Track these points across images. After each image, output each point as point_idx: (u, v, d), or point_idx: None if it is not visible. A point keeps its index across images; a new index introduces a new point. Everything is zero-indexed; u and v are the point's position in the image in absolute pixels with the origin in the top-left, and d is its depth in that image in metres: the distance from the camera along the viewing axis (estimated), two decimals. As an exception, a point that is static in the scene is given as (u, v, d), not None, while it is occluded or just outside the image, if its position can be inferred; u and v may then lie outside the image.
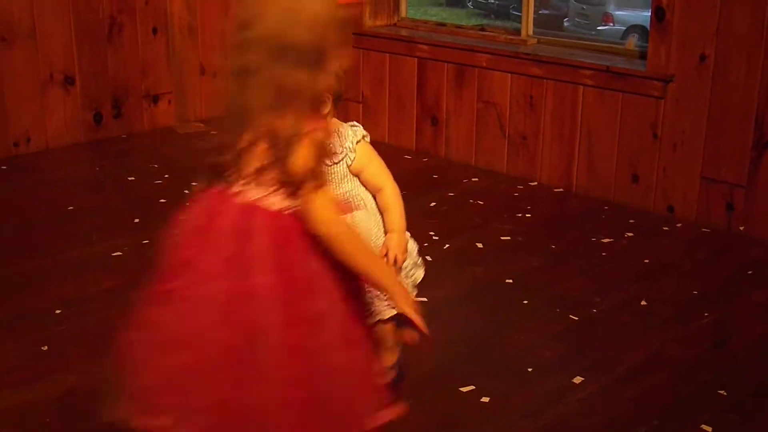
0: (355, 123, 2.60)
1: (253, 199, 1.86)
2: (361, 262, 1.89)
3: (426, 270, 3.63)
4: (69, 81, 5.39)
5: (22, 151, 5.26)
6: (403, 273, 2.58)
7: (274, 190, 1.85)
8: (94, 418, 2.62)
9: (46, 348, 3.07)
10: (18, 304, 3.39)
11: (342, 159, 2.49)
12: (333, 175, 2.49)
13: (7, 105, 5.16)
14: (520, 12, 5.27)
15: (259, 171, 1.84)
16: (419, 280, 2.64)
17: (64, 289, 3.53)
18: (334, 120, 2.48)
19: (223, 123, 1.95)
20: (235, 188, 1.89)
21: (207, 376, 1.84)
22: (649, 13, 4.30)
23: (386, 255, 2.46)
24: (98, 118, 5.55)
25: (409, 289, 2.58)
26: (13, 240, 3.98)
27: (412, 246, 2.60)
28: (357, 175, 2.55)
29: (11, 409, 2.71)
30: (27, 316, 3.30)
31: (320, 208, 1.83)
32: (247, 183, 1.87)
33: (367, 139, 2.56)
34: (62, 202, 4.48)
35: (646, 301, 3.43)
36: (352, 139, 2.51)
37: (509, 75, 4.83)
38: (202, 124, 5.87)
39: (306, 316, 1.84)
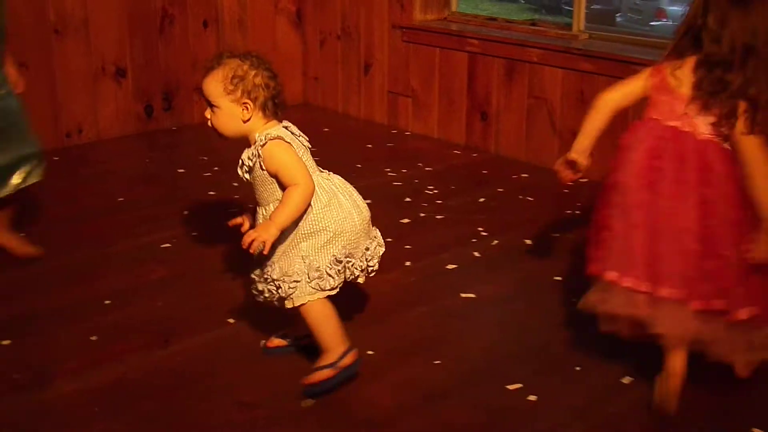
0: (284, 125, 2.73)
1: (696, 130, 2.56)
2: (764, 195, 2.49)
3: (474, 266, 3.65)
4: (121, 73, 5.43)
5: (74, 142, 5.32)
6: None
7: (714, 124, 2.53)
8: (143, 407, 2.66)
9: (95, 338, 3.10)
10: (69, 294, 3.43)
11: (254, 162, 2.66)
12: (256, 179, 2.68)
13: (60, 96, 5.21)
14: (571, 7, 5.22)
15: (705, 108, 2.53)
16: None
17: (113, 279, 3.55)
18: (271, 123, 2.68)
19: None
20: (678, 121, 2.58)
21: (682, 252, 2.52)
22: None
23: (248, 235, 2.59)
24: (149, 111, 5.60)
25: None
26: (64, 231, 4.02)
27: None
28: (275, 177, 2.65)
29: (61, 399, 2.73)
30: (77, 306, 3.33)
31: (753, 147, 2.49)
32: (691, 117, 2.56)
33: (278, 140, 2.64)
34: (113, 193, 4.51)
35: (697, 301, 3.37)
36: (259, 143, 2.64)
37: (560, 70, 4.79)
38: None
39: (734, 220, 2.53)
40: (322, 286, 2.66)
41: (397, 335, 3.11)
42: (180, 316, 3.20)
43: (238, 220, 2.88)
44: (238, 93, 2.64)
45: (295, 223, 2.64)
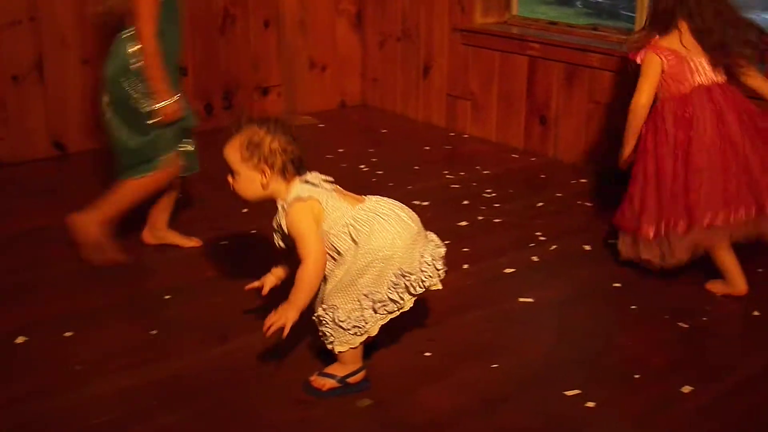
0: (305, 178, 2.71)
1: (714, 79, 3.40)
2: None
3: (533, 270, 3.63)
4: (181, 71, 5.47)
5: (135, 138, 5.37)
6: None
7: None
8: (201, 403, 2.68)
9: (155, 332, 3.13)
10: (129, 289, 3.47)
11: (283, 229, 2.69)
12: (289, 244, 2.71)
13: (123, 93, 5.27)
14: (630, 12, 5.17)
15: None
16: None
17: (173, 275, 3.59)
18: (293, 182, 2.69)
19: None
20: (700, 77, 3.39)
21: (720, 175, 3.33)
22: (770, 15, 4.19)
23: (268, 318, 2.62)
24: (209, 109, 5.65)
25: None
26: (125, 227, 4.06)
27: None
28: (294, 240, 2.66)
29: (120, 392, 2.76)
30: (138, 301, 3.38)
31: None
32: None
33: (296, 203, 2.65)
34: (173, 190, 4.55)
35: (759, 312, 3.32)
36: (282, 211, 2.68)
37: (621, 75, 4.74)
38: (310, 117, 5.91)
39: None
40: (389, 310, 2.68)
41: (454, 338, 3.10)
42: (238, 313, 3.22)
43: (256, 284, 2.92)
44: (255, 160, 2.65)
45: (344, 266, 2.66)
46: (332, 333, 2.67)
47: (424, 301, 3.34)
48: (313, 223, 2.64)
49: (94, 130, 5.20)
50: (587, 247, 3.88)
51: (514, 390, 2.78)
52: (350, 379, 2.73)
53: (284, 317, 2.61)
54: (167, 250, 3.82)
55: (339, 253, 2.66)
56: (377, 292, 2.65)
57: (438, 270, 2.77)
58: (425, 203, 4.40)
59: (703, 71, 3.41)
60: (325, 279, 2.68)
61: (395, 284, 2.66)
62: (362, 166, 4.98)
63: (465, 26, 5.53)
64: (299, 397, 2.72)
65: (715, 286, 3.48)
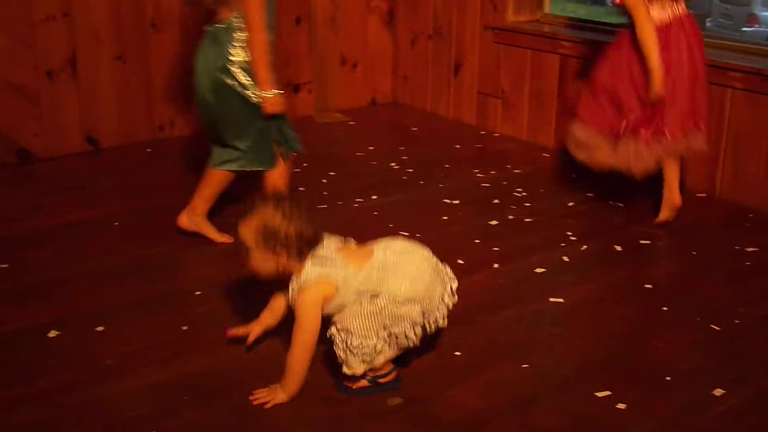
0: (315, 254, 2.68)
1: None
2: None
3: (563, 270, 3.61)
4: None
5: (166, 135, 5.41)
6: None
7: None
8: (233, 398, 2.69)
9: (185, 328, 3.15)
10: (161, 284, 3.49)
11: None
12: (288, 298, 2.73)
13: (155, 90, 5.31)
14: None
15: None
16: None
17: (204, 271, 3.61)
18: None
19: None
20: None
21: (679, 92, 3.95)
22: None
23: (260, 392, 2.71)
24: (240, 105, 5.66)
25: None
26: (157, 222, 4.09)
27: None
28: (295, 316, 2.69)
29: (152, 387, 2.78)
30: (169, 296, 3.39)
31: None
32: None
33: (305, 290, 2.65)
34: (204, 186, 4.57)
35: (792, 315, 3.30)
36: (294, 293, 2.68)
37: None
38: (340, 115, 5.92)
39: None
40: (401, 346, 2.70)
41: (485, 337, 3.10)
42: (269, 309, 3.23)
43: (241, 331, 2.92)
44: (271, 245, 2.64)
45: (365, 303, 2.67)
46: (341, 354, 2.67)
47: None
48: (318, 311, 2.65)
49: (126, 126, 5.24)
50: (618, 248, 3.86)
51: (544, 390, 2.77)
52: (381, 380, 2.73)
53: (273, 396, 2.68)
54: (200, 246, 3.83)
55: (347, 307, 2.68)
56: (397, 326, 2.65)
57: (448, 308, 2.79)
58: (455, 201, 4.39)
59: (673, 3, 3.95)
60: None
61: (415, 323, 2.68)
62: (393, 164, 4.98)
63: (497, 24, 5.52)
64: (330, 395, 2.73)
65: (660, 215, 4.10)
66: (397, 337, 2.67)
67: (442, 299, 2.76)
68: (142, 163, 5.01)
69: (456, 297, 2.82)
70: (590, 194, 4.51)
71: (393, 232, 3.99)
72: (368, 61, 6.22)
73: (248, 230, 2.66)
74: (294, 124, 5.72)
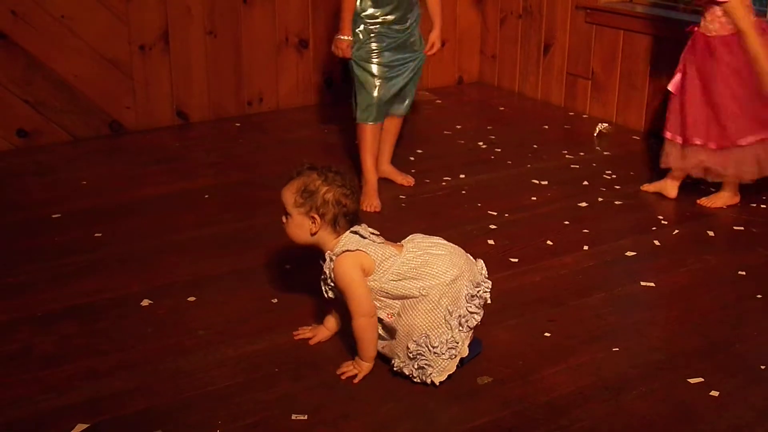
0: (353, 230, 2.70)
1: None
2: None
3: (654, 254, 3.56)
4: (303, 44, 5.53)
5: (254, 110, 5.46)
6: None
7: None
8: (324, 372, 2.71)
9: (276, 301, 3.18)
10: (251, 257, 3.53)
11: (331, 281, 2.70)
12: (326, 282, 2.74)
13: (244, 65, 5.36)
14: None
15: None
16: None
17: (293, 245, 3.61)
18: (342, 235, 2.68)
19: None
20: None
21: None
22: None
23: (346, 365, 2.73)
24: (329, 82, 5.69)
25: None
26: (245, 196, 4.14)
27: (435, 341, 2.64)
28: (342, 292, 2.68)
29: (243, 358, 2.82)
30: (260, 269, 3.43)
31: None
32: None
33: (344, 256, 2.65)
34: (293, 162, 4.57)
35: None
36: (329, 262, 2.69)
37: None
38: (428, 93, 5.91)
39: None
40: (471, 325, 2.68)
41: (575, 319, 3.07)
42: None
43: (308, 333, 2.91)
44: (307, 207, 2.66)
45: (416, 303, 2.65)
46: (430, 364, 2.63)
47: (544, 280, 3.33)
48: (361, 275, 2.64)
49: (215, 101, 5.30)
50: (711, 233, 3.79)
51: (636, 375, 2.74)
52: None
53: (359, 368, 2.70)
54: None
55: (401, 297, 2.65)
56: (458, 308, 2.64)
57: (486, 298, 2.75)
58: (544, 182, 4.36)
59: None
60: (399, 316, 2.67)
61: (472, 296, 2.67)
62: (480, 143, 4.95)
63: (589, 4, 5.44)
64: (419, 372, 2.72)
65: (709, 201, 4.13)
66: (465, 318, 2.64)
67: (481, 272, 2.74)
68: (231, 137, 5.06)
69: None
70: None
71: (481, 212, 3.99)
72: (456, 40, 6.18)
73: (289, 193, 2.71)
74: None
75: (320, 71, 5.64)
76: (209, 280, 3.34)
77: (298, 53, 5.53)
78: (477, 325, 2.70)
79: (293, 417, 2.51)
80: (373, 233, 2.74)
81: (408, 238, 2.78)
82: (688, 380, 2.71)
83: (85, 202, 4.07)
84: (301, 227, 2.70)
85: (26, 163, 4.61)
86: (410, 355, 2.64)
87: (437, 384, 2.64)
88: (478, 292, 2.69)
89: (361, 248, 2.65)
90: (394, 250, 2.68)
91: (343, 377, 2.70)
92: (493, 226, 3.83)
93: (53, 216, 3.91)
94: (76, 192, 4.21)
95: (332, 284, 2.70)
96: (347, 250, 2.65)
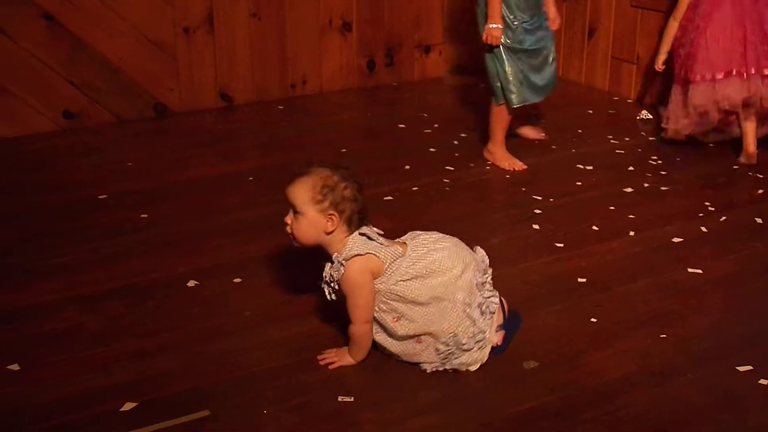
0: (361, 231, 2.64)
1: None
2: None
3: (701, 241, 3.52)
4: (346, 27, 5.53)
5: (298, 92, 5.47)
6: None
7: None
8: (368, 354, 2.72)
9: (321, 283, 3.17)
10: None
11: (337, 284, 2.66)
12: (328, 284, 2.71)
13: (288, 47, 5.36)
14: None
15: None
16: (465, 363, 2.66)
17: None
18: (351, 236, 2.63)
19: None
20: None
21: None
22: None
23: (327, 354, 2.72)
24: (371, 66, 5.68)
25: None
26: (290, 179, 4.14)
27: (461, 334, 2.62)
28: (345, 296, 2.64)
29: (289, 339, 2.84)
30: (304, 251, 3.41)
31: None
32: None
33: (354, 260, 2.60)
34: (335, 145, 4.62)
35: None
36: (337, 264, 2.62)
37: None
38: (470, 77, 5.87)
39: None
40: (492, 310, 2.66)
41: (622, 305, 3.04)
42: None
43: (333, 357, 2.75)
44: (326, 203, 2.58)
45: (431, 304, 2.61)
46: (463, 360, 2.63)
47: (589, 265, 3.31)
48: (370, 281, 2.59)
49: (259, 83, 5.31)
50: (759, 220, 3.74)
51: (683, 362, 2.71)
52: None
53: (341, 360, 2.68)
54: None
55: (413, 301, 2.60)
56: (474, 298, 2.62)
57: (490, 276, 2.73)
58: (589, 167, 4.32)
59: None
60: (410, 321, 2.62)
61: (482, 283, 2.65)
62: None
63: (633, -12, 5.38)
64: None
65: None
66: (485, 304, 2.63)
67: (483, 261, 2.71)
68: (274, 120, 5.07)
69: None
70: (729, 165, 4.38)
71: (526, 196, 3.97)
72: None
73: (301, 189, 2.61)
74: (424, 86, 5.79)
75: (363, 54, 5.63)
76: (255, 261, 3.35)
77: (341, 36, 5.52)
78: (498, 308, 2.69)
79: (339, 399, 2.52)
80: (379, 233, 2.69)
81: (408, 235, 2.73)
82: (737, 368, 2.68)
83: (130, 184, 4.10)
84: (315, 226, 2.61)
85: (72, 144, 4.65)
86: (441, 356, 2.63)
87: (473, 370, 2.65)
88: (486, 278, 2.67)
89: (370, 251, 2.60)
90: (400, 250, 2.64)
91: (322, 362, 2.69)
92: (537, 211, 3.81)
93: (99, 197, 3.94)
94: (122, 173, 4.24)
95: (337, 287, 2.67)
96: (357, 254, 2.59)
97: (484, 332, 2.63)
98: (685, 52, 4.45)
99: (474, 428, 2.42)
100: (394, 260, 2.60)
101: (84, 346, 2.78)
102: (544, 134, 4.74)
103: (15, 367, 2.67)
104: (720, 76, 4.31)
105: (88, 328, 2.89)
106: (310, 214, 2.60)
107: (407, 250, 2.64)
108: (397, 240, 2.71)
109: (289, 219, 2.66)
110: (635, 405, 2.50)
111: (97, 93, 4.88)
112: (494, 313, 2.68)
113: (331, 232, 2.61)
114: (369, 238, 2.64)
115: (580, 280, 3.20)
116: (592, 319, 2.94)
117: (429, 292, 2.59)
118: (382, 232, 2.71)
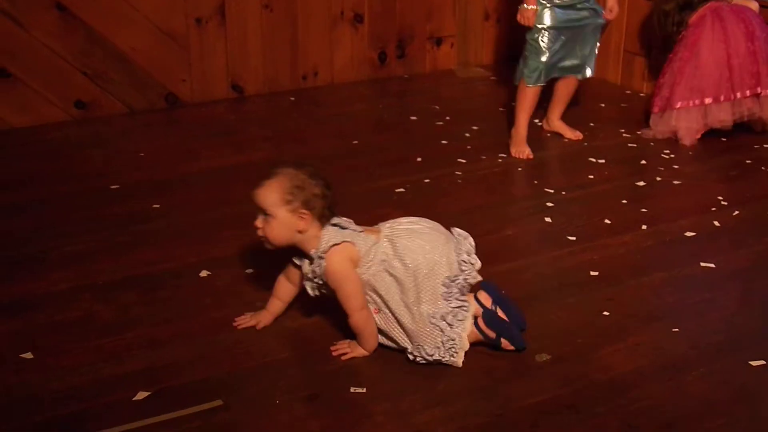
0: (333, 222, 2.64)
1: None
2: None
3: (714, 235, 3.51)
4: (358, 19, 5.52)
5: (309, 84, 5.46)
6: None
7: None
8: (380, 345, 2.72)
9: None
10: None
11: (321, 279, 2.64)
12: (311, 281, 2.69)
13: (300, 39, 5.35)
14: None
15: None
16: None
17: (352, 216, 3.64)
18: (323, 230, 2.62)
19: None
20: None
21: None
22: None
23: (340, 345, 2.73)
24: (382, 58, 5.67)
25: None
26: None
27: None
28: (334, 290, 2.64)
29: (299, 331, 2.85)
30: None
31: None
32: None
33: (333, 250, 2.60)
34: (347, 136, 4.62)
35: None
36: (317, 260, 2.61)
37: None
38: (482, 69, 5.87)
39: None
40: (461, 318, 2.64)
41: (634, 299, 3.04)
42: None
43: (251, 322, 2.85)
44: (297, 203, 2.57)
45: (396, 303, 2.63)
46: (452, 338, 2.62)
47: (601, 258, 3.31)
48: (353, 269, 2.59)
49: (270, 74, 5.31)
50: (772, 215, 3.74)
51: (696, 356, 2.71)
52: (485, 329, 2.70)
53: (354, 351, 2.69)
54: (341, 196, 3.87)
55: (381, 295, 2.62)
56: (439, 309, 2.61)
57: (473, 264, 2.68)
58: (601, 161, 4.32)
59: None
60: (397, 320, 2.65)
61: (448, 293, 2.63)
62: (536, 120, 4.90)
63: (647, -19, 5.36)
64: (482, 350, 2.72)
65: None
66: (452, 314, 2.62)
67: (459, 256, 2.66)
68: (285, 111, 5.07)
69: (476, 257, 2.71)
70: (742, 159, 4.36)
71: (537, 189, 3.97)
72: (511, 16, 6.10)
73: (270, 191, 2.59)
74: (435, 78, 5.78)
75: (374, 46, 5.62)
76: (266, 252, 3.32)
77: (353, 28, 5.51)
78: (469, 311, 2.68)
79: (352, 390, 2.52)
80: (350, 222, 2.69)
81: (381, 223, 2.74)
82: (750, 362, 2.67)
83: (142, 174, 4.11)
84: (287, 226, 2.59)
85: (84, 134, 4.66)
86: (438, 353, 2.62)
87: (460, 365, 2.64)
88: (455, 285, 2.64)
89: (345, 239, 2.60)
90: (374, 237, 2.64)
91: (334, 353, 2.69)
92: (549, 204, 3.80)
93: (111, 187, 3.95)
94: (134, 164, 4.25)
95: (320, 282, 2.66)
96: (334, 245, 2.59)
97: (454, 339, 2.62)
98: (670, 82, 4.60)
99: (486, 420, 2.42)
100: (370, 248, 2.61)
101: (97, 335, 2.79)
102: (580, 134, 4.69)
103: (29, 355, 2.68)
104: (709, 100, 4.49)
105: (101, 317, 2.90)
106: (281, 215, 2.59)
107: (381, 235, 2.65)
108: (371, 228, 2.71)
109: (259, 223, 2.64)
110: (648, 398, 2.50)
111: (109, 83, 4.89)
112: (463, 324, 2.64)
113: (304, 231, 2.61)
114: (341, 227, 2.64)
115: (592, 273, 3.20)
116: (605, 313, 2.93)
117: (396, 289, 2.62)
118: (351, 220, 2.71)
